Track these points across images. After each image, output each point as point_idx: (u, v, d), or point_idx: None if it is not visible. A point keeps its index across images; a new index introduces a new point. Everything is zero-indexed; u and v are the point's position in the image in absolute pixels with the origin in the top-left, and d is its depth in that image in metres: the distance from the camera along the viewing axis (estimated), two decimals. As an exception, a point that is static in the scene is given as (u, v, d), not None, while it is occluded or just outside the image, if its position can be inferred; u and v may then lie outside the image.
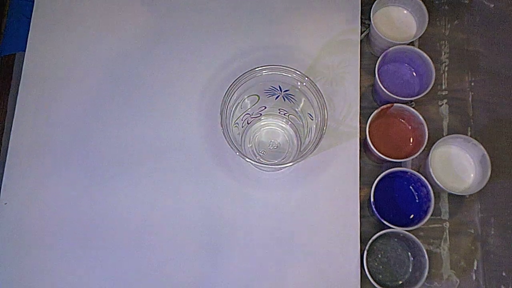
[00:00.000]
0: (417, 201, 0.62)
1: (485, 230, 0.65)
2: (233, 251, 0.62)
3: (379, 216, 0.58)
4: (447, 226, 0.65)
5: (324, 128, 0.55)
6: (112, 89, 0.68)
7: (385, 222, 0.58)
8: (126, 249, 0.62)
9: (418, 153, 0.60)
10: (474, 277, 0.64)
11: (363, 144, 0.66)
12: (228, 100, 0.57)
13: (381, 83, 0.63)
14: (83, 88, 0.68)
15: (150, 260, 0.62)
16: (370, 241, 0.59)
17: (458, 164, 0.63)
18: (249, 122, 0.64)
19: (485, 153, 0.60)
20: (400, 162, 0.66)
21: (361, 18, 0.70)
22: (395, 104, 0.62)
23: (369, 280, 0.58)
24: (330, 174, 0.65)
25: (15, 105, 0.67)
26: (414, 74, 0.67)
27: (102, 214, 0.63)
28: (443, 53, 0.71)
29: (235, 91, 0.58)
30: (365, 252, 0.59)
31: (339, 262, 0.62)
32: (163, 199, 0.64)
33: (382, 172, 0.60)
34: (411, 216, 0.61)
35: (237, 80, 0.57)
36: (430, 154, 0.61)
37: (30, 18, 0.70)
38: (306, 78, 0.57)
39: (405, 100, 0.63)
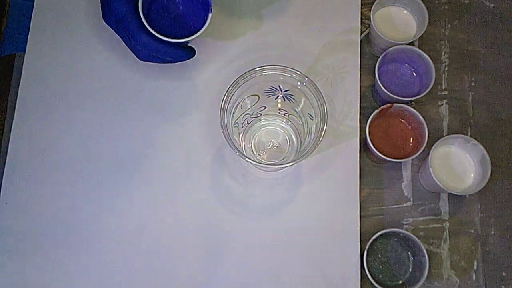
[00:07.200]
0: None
1: (485, 230, 0.65)
2: (232, 251, 0.62)
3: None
4: (447, 226, 0.65)
5: (324, 128, 0.55)
6: (112, 88, 0.68)
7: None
8: (125, 249, 0.62)
9: (418, 153, 0.61)
10: (474, 277, 0.64)
11: (363, 144, 0.66)
12: (228, 100, 0.57)
13: (381, 83, 0.63)
14: (83, 88, 0.68)
15: (149, 260, 0.62)
16: (370, 241, 0.59)
17: (458, 164, 0.63)
18: (249, 122, 0.64)
19: (485, 153, 0.60)
20: (400, 162, 0.66)
21: (361, 18, 0.70)
22: (395, 104, 0.62)
23: (369, 280, 0.58)
24: (330, 174, 0.65)
25: (15, 105, 0.67)
26: (414, 74, 0.67)
27: (102, 215, 0.63)
28: (443, 53, 0.71)
29: (235, 91, 0.58)
30: (365, 252, 0.59)
31: (339, 262, 0.62)
32: (163, 199, 0.64)
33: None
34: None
35: (237, 80, 0.57)
36: (430, 154, 0.61)
37: (30, 18, 0.70)
38: (306, 78, 0.57)
39: (405, 100, 0.63)
